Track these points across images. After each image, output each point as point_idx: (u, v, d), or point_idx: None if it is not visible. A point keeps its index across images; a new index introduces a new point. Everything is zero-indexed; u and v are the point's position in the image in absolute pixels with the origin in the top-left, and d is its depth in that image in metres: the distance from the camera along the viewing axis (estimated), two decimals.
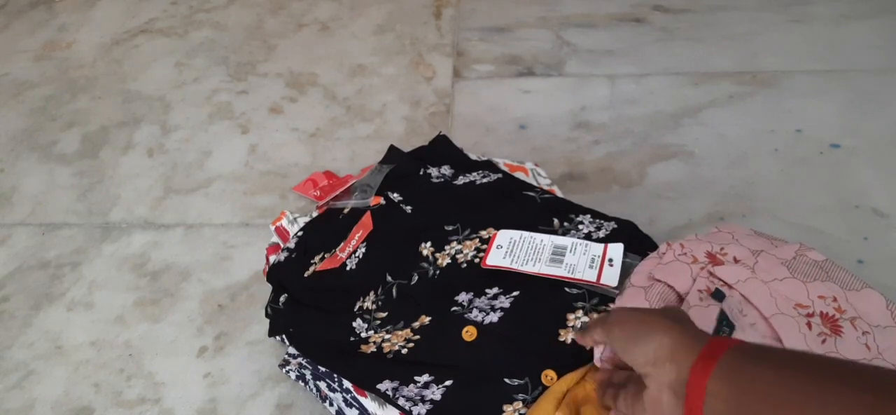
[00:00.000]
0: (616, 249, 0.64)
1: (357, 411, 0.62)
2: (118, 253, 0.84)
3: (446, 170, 0.74)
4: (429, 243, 0.66)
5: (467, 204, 0.70)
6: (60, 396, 0.69)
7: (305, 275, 0.68)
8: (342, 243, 0.68)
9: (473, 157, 0.82)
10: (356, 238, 0.66)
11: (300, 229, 0.73)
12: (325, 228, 0.72)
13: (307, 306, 0.66)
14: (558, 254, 0.64)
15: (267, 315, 0.69)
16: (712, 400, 0.40)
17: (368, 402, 0.61)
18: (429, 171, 0.72)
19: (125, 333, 0.75)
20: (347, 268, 0.65)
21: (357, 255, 0.65)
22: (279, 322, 0.68)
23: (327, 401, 0.64)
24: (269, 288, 0.75)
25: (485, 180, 0.74)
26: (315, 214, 0.78)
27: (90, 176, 0.95)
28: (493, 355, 0.58)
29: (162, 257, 0.83)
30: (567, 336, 0.58)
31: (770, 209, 0.81)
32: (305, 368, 0.66)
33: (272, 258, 0.73)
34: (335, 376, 0.64)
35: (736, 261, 0.61)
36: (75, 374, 0.71)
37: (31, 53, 1.21)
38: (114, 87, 1.12)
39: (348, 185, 0.79)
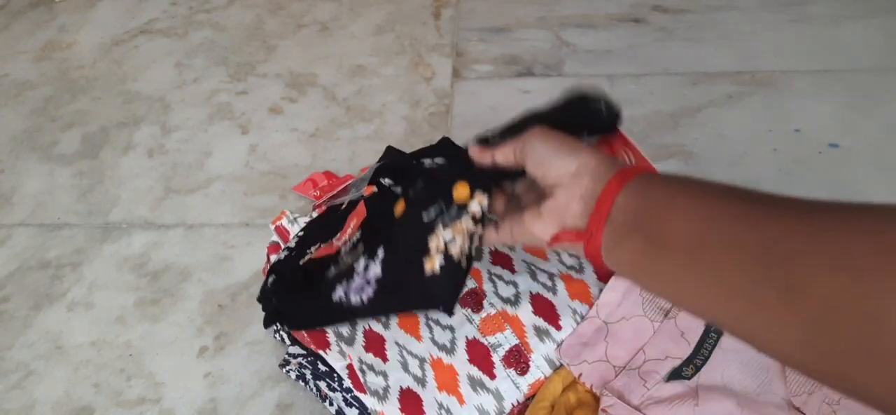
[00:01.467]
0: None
1: (357, 411, 0.62)
2: (118, 253, 0.84)
3: (439, 160, 0.73)
4: None
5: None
6: (61, 396, 0.70)
7: (300, 263, 0.68)
8: (339, 234, 0.68)
9: None
10: (351, 226, 0.66)
11: (301, 229, 0.73)
12: (324, 224, 0.72)
13: (295, 282, 0.66)
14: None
15: (259, 301, 0.68)
16: (618, 210, 0.43)
17: (368, 400, 0.61)
18: (422, 161, 0.72)
19: (125, 333, 0.75)
20: (341, 254, 0.65)
21: (351, 241, 0.65)
22: (268, 302, 0.67)
23: (327, 400, 0.64)
24: None
25: None
26: (315, 215, 0.78)
27: (90, 176, 0.95)
28: (413, 213, 0.57)
29: (162, 257, 0.83)
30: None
31: None
32: (305, 367, 0.66)
33: (273, 258, 0.73)
34: (335, 375, 0.64)
35: None
36: (75, 374, 0.71)
37: (31, 54, 1.21)
38: (114, 87, 1.12)
39: (346, 184, 0.79)
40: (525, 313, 0.63)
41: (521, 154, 0.51)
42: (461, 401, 0.59)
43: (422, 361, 0.62)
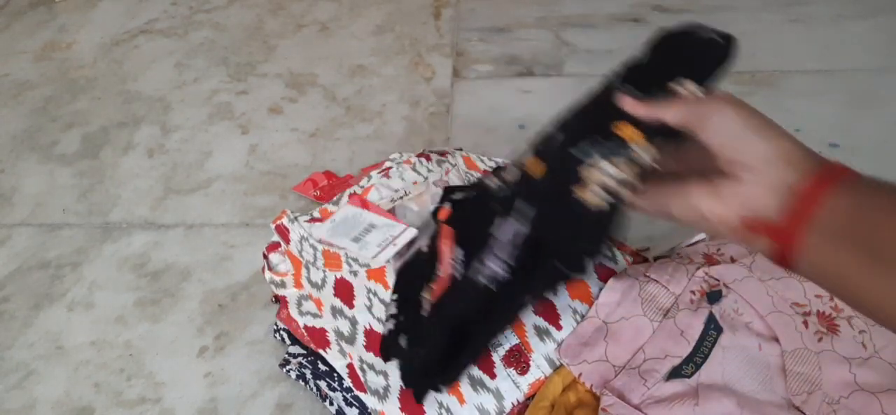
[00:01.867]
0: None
1: (357, 411, 0.62)
2: (118, 253, 0.84)
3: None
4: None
5: None
6: (61, 396, 0.70)
7: (423, 315, 0.63)
8: (437, 267, 0.66)
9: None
10: (446, 251, 0.64)
11: (393, 297, 0.67)
12: (412, 276, 0.69)
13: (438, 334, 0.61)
14: None
15: (402, 374, 0.61)
16: (829, 212, 0.37)
17: (368, 399, 0.61)
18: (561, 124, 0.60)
19: (125, 333, 0.75)
20: (457, 277, 0.63)
21: (457, 260, 0.63)
22: (418, 374, 0.61)
23: (328, 400, 0.64)
24: (266, 287, 0.75)
25: None
26: (325, 227, 0.78)
27: (90, 176, 0.95)
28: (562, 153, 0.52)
29: (162, 257, 0.83)
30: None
31: None
32: (306, 367, 0.66)
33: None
34: (335, 374, 0.64)
35: (733, 260, 0.61)
36: (76, 374, 0.71)
37: (31, 54, 1.21)
38: (114, 87, 1.12)
39: (406, 241, 0.74)
40: (525, 312, 0.63)
41: (698, 120, 0.44)
42: (461, 400, 0.59)
43: None
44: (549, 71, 1.06)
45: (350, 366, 0.63)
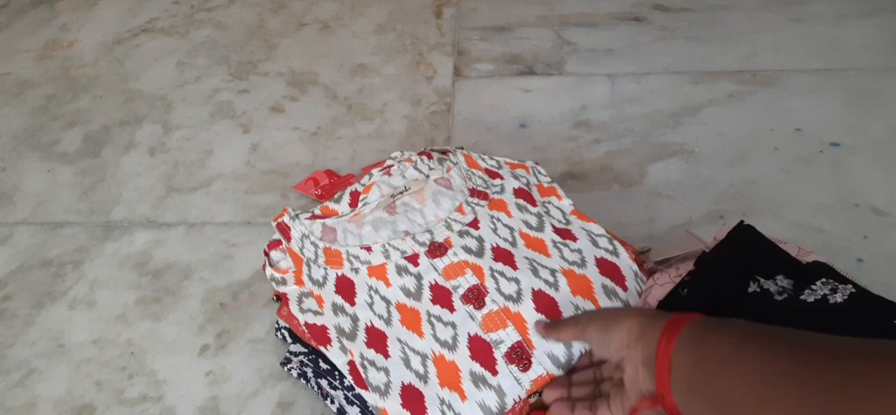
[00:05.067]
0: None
1: (358, 409, 0.62)
2: (120, 252, 0.84)
3: (784, 282, 0.59)
4: None
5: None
6: (62, 394, 0.70)
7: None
8: None
9: (794, 255, 0.63)
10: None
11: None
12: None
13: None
14: None
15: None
16: (676, 370, 0.43)
17: (370, 396, 0.61)
18: (765, 286, 0.59)
19: (127, 331, 0.75)
20: None
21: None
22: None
23: (328, 399, 0.64)
24: (267, 286, 0.75)
25: (838, 298, 0.57)
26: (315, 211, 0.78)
27: (92, 175, 0.95)
28: None
29: (163, 256, 0.83)
30: None
31: (770, 208, 0.81)
32: (307, 366, 0.66)
33: (273, 254, 0.73)
34: (336, 373, 0.64)
35: None
36: (77, 372, 0.72)
37: (32, 53, 1.22)
38: (115, 86, 1.12)
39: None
40: (527, 309, 0.63)
41: (582, 338, 0.53)
42: (463, 397, 0.59)
43: (424, 357, 0.62)
44: (550, 70, 1.06)
45: (351, 363, 0.63)
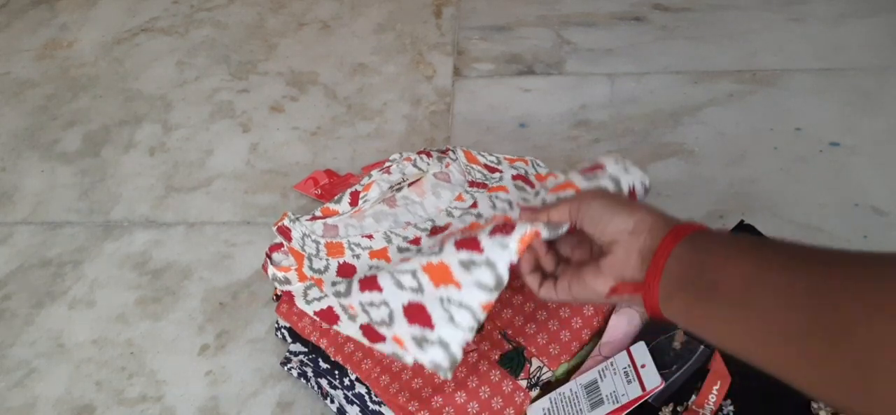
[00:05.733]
0: (640, 350, 0.61)
1: (358, 409, 0.62)
2: (119, 251, 0.84)
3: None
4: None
5: None
6: (62, 394, 0.70)
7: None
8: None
9: None
10: (714, 392, 0.60)
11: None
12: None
13: None
14: (593, 391, 0.60)
15: None
16: (672, 263, 0.45)
17: (383, 345, 0.60)
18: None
19: (127, 331, 0.75)
20: None
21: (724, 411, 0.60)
22: None
23: (328, 398, 0.64)
24: (266, 286, 0.75)
25: None
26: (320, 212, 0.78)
27: (91, 175, 0.95)
28: None
29: (163, 256, 0.83)
30: None
31: (770, 207, 0.81)
32: (307, 365, 0.66)
33: (275, 256, 0.73)
34: (336, 373, 0.64)
35: None
36: (77, 372, 0.72)
37: (32, 52, 1.22)
38: (115, 85, 1.12)
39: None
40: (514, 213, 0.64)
41: (576, 214, 0.53)
42: (458, 286, 0.57)
43: (413, 272, 0.61)
44: (549, 69, 1.06)
45: (363, 326, 0.62)
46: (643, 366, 0.58)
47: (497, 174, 0.79)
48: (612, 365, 0.60)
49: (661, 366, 0.58)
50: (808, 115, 0.93)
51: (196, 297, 0.78)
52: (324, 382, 0.64)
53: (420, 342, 0.57)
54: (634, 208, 0.50)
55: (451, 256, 0.59)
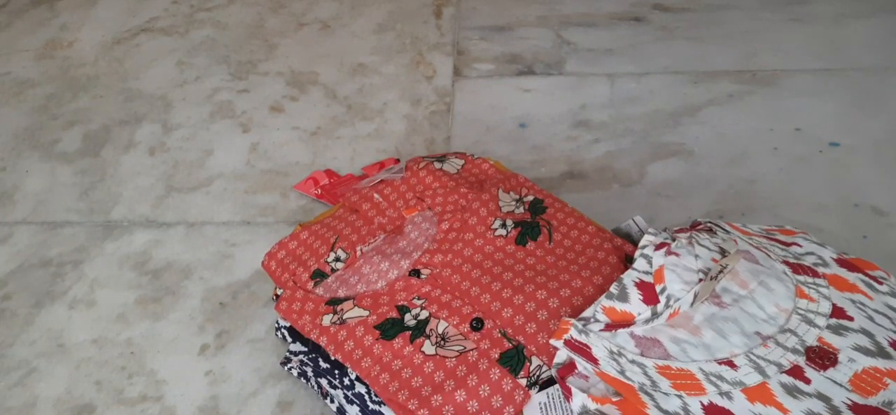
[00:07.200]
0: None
1: (358, 408, 0.62)
2: (120, 251, 0.84)
3: None
4: None
5: None
6: (62, 393, 0.70)
7: None
8: None
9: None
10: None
11: None
12: None
13: None
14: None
15: None
16: None
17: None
18: None
19: (127, 331, 0.75)
20: None
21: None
22: None
23: (328, 398, 0.64)
24: (266, 285, 0.75)
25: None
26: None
27: (92, 174, 0.95)
28: None
29: (163, 255, 0.83)
30: None
31: (769, 207, 0.81)
32: (307, 365, 0.66)
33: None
34: (336, 372, 0.64)
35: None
36: (77, 372, 0.72)
37: (32, 52, 1.22)
38: (115, 85, 1.12)
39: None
40: None
41: None
42: (783, 410, 0.51)
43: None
44: (549, 70, 1.06)
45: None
46: None
47: (793, 248, 0.63)
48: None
49: None
50: (808, 115, 0.93)
51: (196, 297, 0.78)
52: (324, 381, 0.64)
53: None
54: None
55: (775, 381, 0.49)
